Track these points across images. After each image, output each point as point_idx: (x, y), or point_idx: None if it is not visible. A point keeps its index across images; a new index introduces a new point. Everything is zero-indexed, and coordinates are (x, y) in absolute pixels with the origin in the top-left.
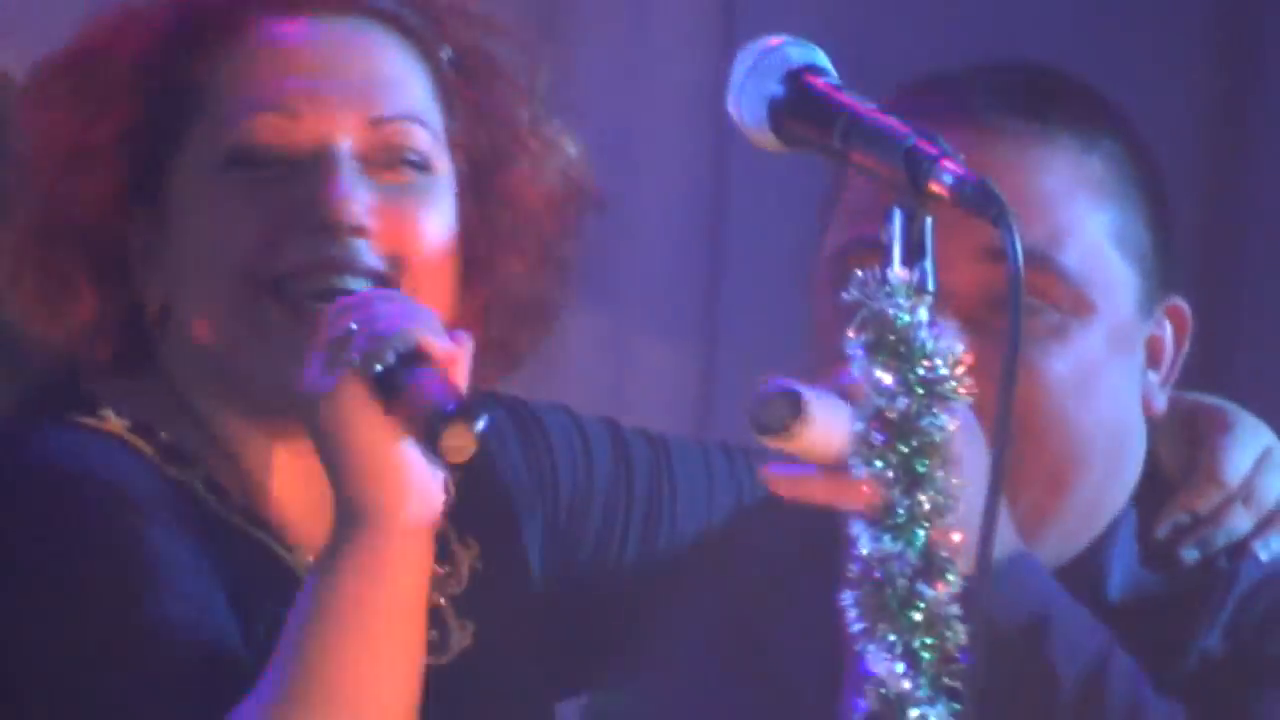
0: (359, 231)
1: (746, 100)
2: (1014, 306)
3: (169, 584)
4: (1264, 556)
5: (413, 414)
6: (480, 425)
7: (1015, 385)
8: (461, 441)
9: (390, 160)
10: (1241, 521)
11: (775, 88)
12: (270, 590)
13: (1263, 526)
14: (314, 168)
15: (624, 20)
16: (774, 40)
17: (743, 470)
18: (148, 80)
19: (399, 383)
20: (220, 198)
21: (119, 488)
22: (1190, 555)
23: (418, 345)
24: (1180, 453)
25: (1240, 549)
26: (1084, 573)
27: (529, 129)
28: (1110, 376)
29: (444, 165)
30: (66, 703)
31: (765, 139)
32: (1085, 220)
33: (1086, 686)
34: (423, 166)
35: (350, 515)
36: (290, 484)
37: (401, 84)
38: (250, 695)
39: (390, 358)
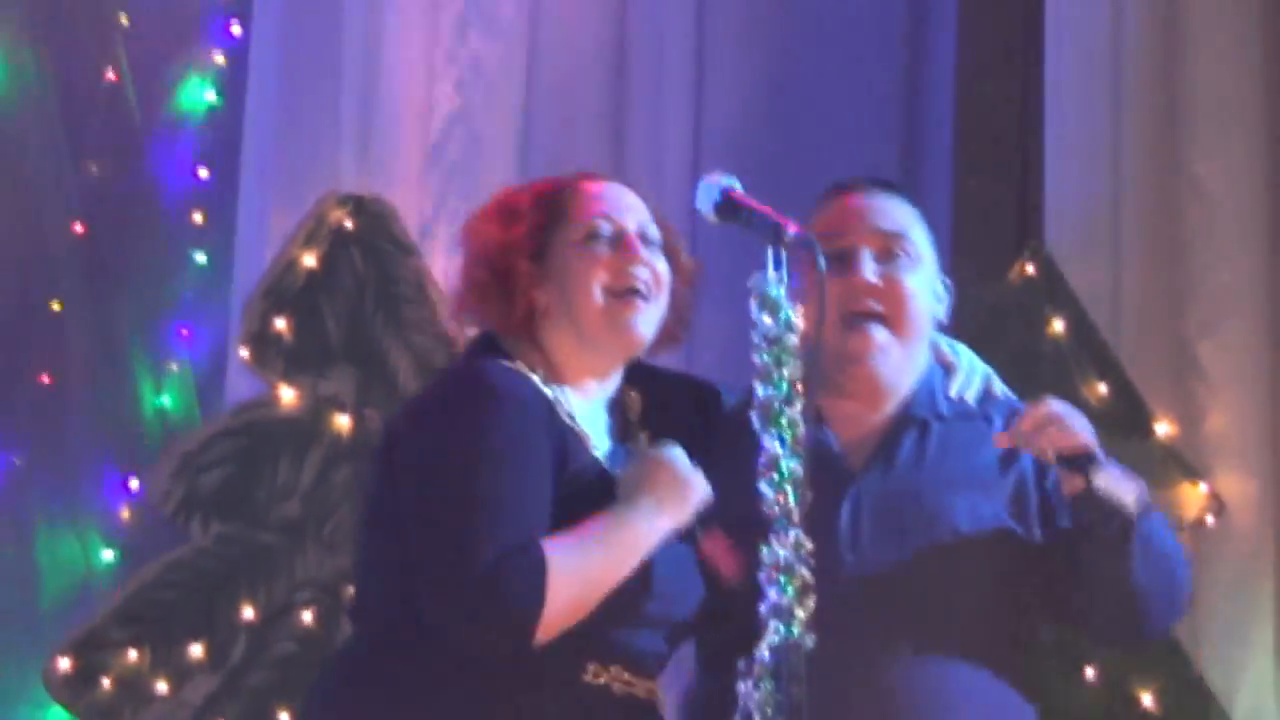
0: (645, 264)
1: (703, 202)
2: (820, 296)
3: (526, 464)
4: (998, 394)
5: None
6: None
7: (819, 348)
8: None
9: (649, 242)
10: (974, 384)
11: (717, 196)
12: (584, 461)
13: (984, 385)
14: (622, 241)
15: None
16: (714, 175)
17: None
18: (535, 211)
19: None
20: (584, 255)
21: (520, 399)
22: (968, 398)
23: None
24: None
25: (985, 397)
26: (928, 392)
27: (677, 238)
28: (927, 292)
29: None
30: (445, 503)
31: (712, 220)
32: (914, 224)
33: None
34: (659, 245)
35: (646, 498)
36: (590, 407)
37: (645, 209)
38: (555, 540)
39: None
